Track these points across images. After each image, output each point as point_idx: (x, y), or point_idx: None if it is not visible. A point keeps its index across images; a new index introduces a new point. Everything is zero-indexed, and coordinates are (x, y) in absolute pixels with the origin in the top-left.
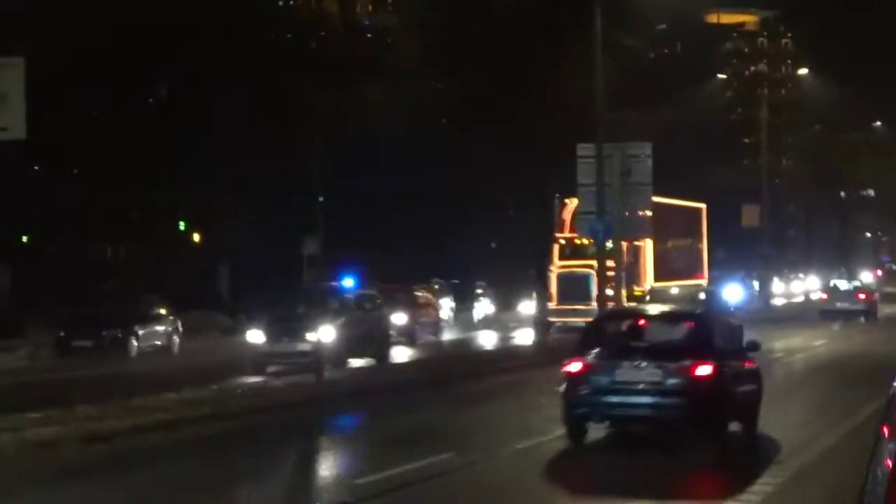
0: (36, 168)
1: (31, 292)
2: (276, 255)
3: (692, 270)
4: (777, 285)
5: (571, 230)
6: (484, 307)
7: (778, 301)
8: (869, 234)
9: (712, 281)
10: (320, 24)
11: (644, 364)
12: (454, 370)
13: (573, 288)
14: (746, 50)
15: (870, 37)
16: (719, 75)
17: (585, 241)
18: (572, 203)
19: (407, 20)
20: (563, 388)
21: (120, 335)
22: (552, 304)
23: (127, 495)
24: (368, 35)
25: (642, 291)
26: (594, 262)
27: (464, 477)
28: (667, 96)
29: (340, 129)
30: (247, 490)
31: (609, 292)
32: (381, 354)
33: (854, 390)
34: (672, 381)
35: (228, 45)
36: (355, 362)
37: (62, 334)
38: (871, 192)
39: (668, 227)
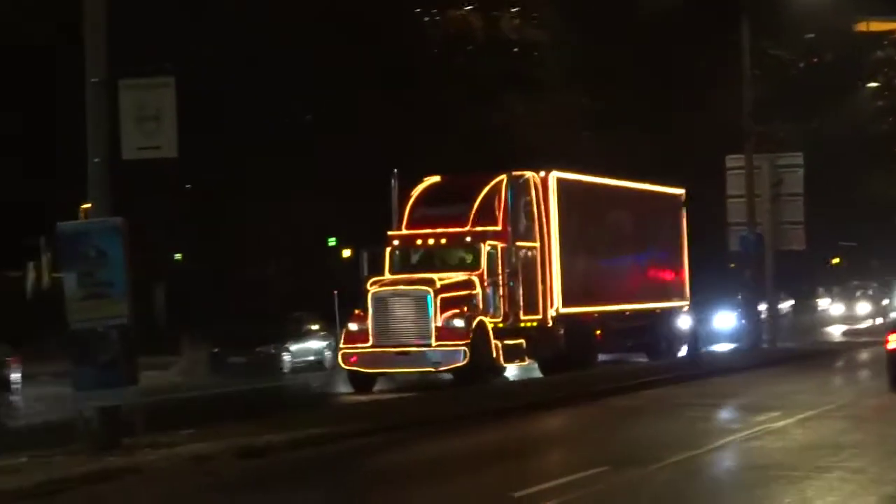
0: (188, 186)
1: (185, 310)
2: None
3: (654, 290)
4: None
5: (411, 225)
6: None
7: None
8: None
9: (697, 306)
10: (466, 40)
11: None
12: None
13: (399, 318)
14: None
15: None
16: (870, 84)
17: (432, 241)
18: (424, 184)
19: (553, 35)
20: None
21: (273, 351)
22: (366, 346)
23: None
24: (515, 50)
25: (536, 321)
26: (435, 277)
27: None
28: (816, 106)
29: (487, 143)
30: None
31: (458, 323)
32: None
33: None
34: None
35: (373, 60)
36: None
37: (216, 351)
38: None
39: (600, 222)
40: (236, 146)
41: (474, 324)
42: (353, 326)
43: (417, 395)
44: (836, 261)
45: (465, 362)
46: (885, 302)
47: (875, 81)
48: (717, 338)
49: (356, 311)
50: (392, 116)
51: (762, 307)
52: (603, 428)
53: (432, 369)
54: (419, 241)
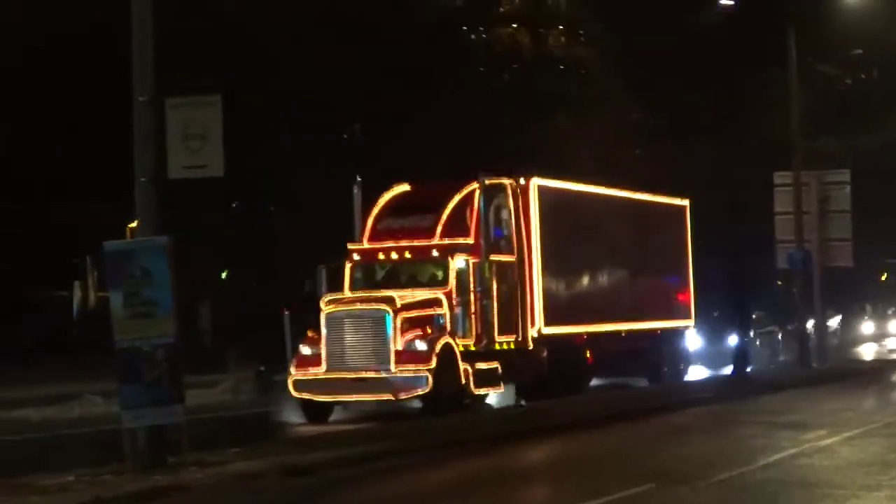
0: (233, 205)
1: (231, 327)
2: None
3: (653, 308)
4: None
5: (374, 238)
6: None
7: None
8: None
9: (707, 324)
10: (513, 57)
11: None
12: None
13: (355, 340)
14: None
15: None
16: None
17: (395, 256)
18: (390, 193)
19: (600, 52)
20: None
21: None
22: (318, 371)
23: None
24: (561, 67)
25: (513, 343)
26: (395, 295)
27: None
28: (864, 122)
29: (535, 159)
30: None
31: (420, 346)
32: None
33: None
34: None
35: (422, 77)
36: None
37: (262, 369)
38: None
39: (590, 234)
40: (279, 159)
41: (439, 346)
42: (305, 350)
43: (449, 417)
44: (883, 277)
45: (428, 389)
46: None
47: None
48: (723, 356)
49: (309, 334)
50: (432, 132)
51: (810, 325)
52: (648, 445)
53: (391, 397)
54: (382, 256)
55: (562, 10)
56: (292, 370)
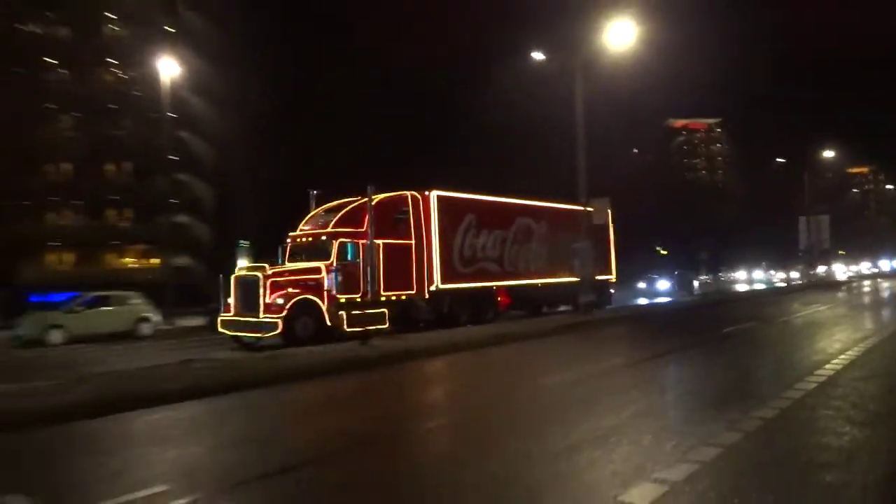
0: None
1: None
2: None
3: (566, 268)
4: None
5: (301, 230)
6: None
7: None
8: None
9: (631, 277)
10: (697, 183)
11: None
12: None
13: (245, 295)
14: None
15: None
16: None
17: (302, 240)
18: (328, 204)
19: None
20: None
21: None
22: (230, 315)
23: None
24: (720, 187)
25: (405, 295)
26: (267, 265)
27: None
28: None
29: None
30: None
31: (279, 301)
32: None
33: None
34: None
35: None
36: None
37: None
38: None
39: (498, 225)
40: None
41: (291, 302)
42: (228, 300)
43: (554, 316)
44: (841, 252)
45: (280, 331)
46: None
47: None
48: (657, 293)
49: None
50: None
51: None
52: (738, 312)
53: (261, 334)
54: (298, 240)
55: (716, 163)
56: (221, 313)
